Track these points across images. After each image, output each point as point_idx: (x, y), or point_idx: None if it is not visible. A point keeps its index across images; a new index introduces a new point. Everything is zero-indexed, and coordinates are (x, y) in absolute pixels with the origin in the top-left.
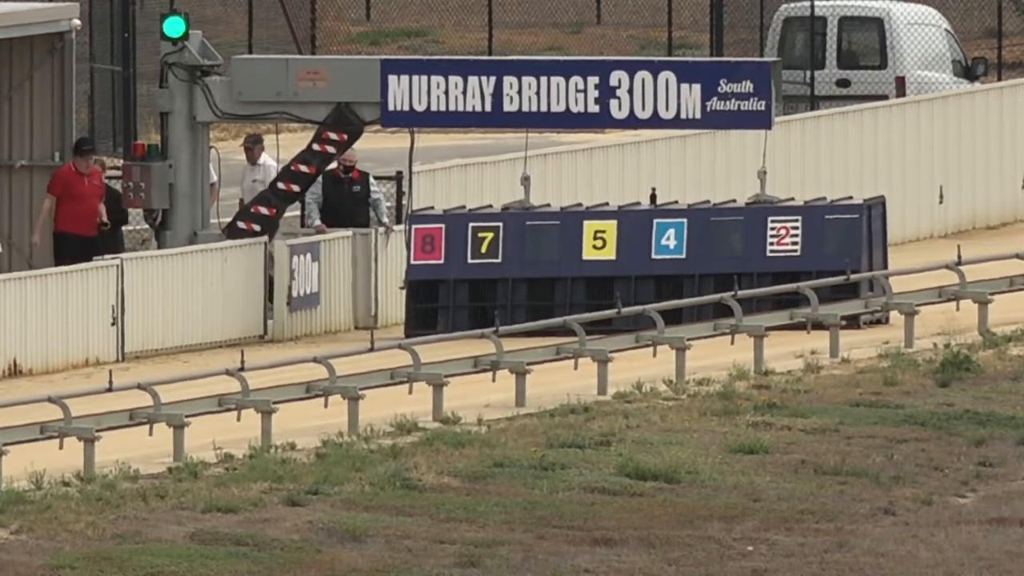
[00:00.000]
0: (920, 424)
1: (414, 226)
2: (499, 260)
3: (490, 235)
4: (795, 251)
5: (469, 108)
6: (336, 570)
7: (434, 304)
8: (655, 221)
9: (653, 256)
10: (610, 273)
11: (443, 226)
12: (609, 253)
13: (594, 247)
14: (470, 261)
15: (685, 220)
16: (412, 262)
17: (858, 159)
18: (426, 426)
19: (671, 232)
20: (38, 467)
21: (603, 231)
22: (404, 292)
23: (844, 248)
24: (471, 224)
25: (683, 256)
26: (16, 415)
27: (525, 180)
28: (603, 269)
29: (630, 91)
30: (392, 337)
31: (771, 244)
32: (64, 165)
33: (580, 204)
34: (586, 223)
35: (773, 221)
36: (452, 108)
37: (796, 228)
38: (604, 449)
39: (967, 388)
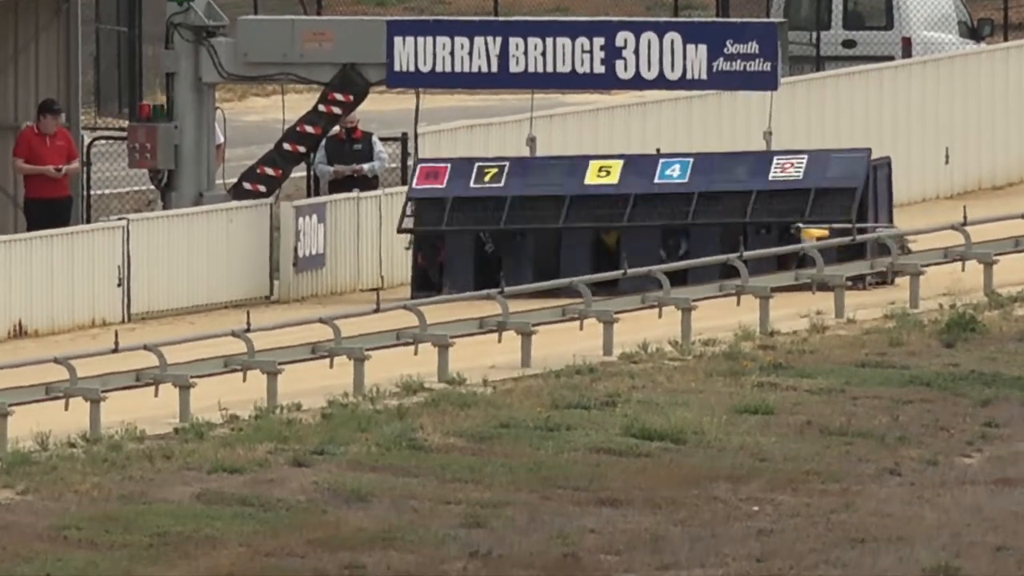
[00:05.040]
0: (926, 385)
1: (420, 165)
2: (502, 184)
3: (494, 169)
4: (798, 175)
5: (475, 69)
6: (342, 531)
7: (438, 228)
8: (661, 160)
9: (656, 180)
10: (612, 193)
11: (448, 165)
12: (612, 179)
13: (598, 176)
14: (473, 185)
15: (691, 159)
16: (414, 186)
17: (864, 120)
18: (432, 387)
19: (676, 166)
20: (44, 428)
21: (608, 166)
22: (410, 253)
23: (848, 173)
24: (477, 164)
25: (686, 180)
26: (22, 376)
27: (531, 141)
28: (605, 191)
29: (636, 52)
30: (398, 298)
31: (774, 173)
32: (27, 127)
33: None
34: (592, 161)
35: (779, 159)
36: (458, 69)
37: (801, 162)
38: (610, 410)
39: (972, 349)
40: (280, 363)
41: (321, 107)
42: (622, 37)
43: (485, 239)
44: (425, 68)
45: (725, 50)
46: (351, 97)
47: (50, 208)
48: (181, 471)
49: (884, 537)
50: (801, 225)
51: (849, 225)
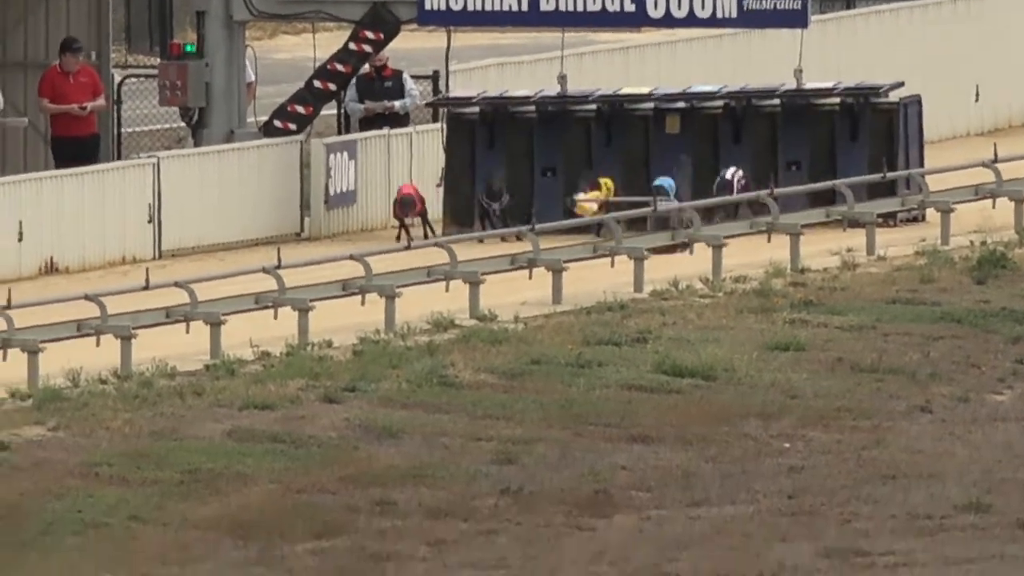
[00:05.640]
0: (957, 321)
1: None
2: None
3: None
4: (829, 84)
5: (505, 7)
6: (373, 467)
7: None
8: (694, 85)
9: (688, 90)
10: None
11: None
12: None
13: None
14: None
15: (725, 85)
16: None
17: (894, 58)
18: (463, 323)
19: (709, 88)
20: (75, 365)
21: (643, 90)
22: (441, 190)
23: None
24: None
25: (717, 90)
26: (53, 313)
27: (561, 79)
28: (637, 98)
29: None
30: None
31: (806, 86)
32: (50, 66)
33: None
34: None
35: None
36: (488, 7)
37: (834, 88)
38: (641, 346)
39: (1003, 286)
40: (311, 300)
41: (352, 45)
42: None
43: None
44: (456, 6)
45: None
46: (381, 35)
47: (77, 146)
48: (212, 408)
49: (915, 474)
50: (576, 198)
51: (632, 199)
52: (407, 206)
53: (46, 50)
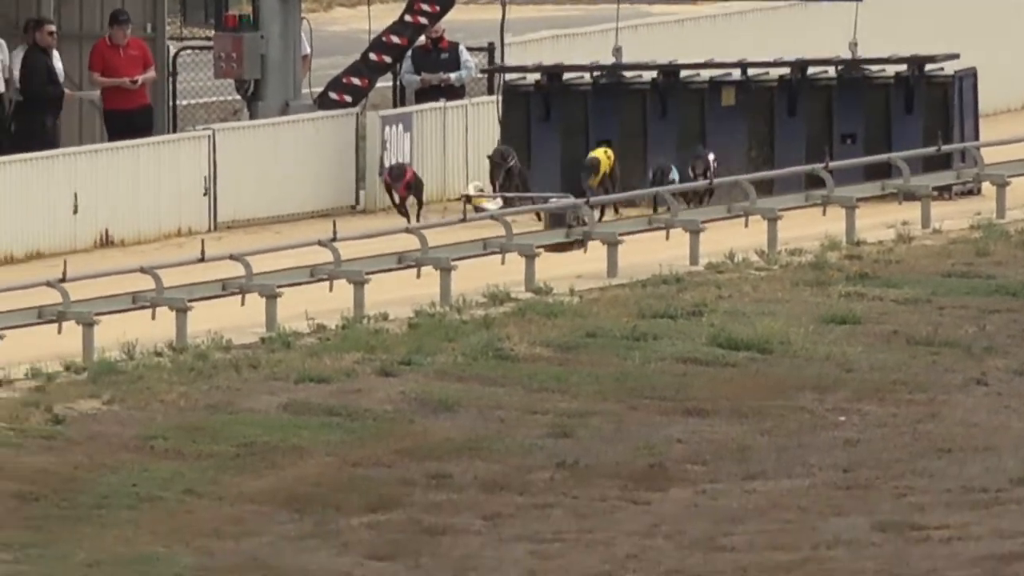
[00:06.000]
0: (1012, 295)
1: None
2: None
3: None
4: (883, 56)
5: None
6: (428, 440)
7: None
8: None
9: (744, 62)
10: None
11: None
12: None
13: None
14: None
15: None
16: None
17: (949, 29)
18: (518, 296)
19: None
20: (130, 337)
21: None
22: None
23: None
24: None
25: (772, 62)
26: (108, 285)
27: (617, 51)
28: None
29: None
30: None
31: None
32: (99, 39)
33: None
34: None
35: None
36: None
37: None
38: (696, 319)
39: None
40: (367, 272)
41: (407, 17)
42: None
43: None
44: None
45: None
46: (437, 7)
47: (129, 118)
48: (267, 381)
49: (970, 447)
50: (471, 193)
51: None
52: (396, 174)
53: (101, 22)
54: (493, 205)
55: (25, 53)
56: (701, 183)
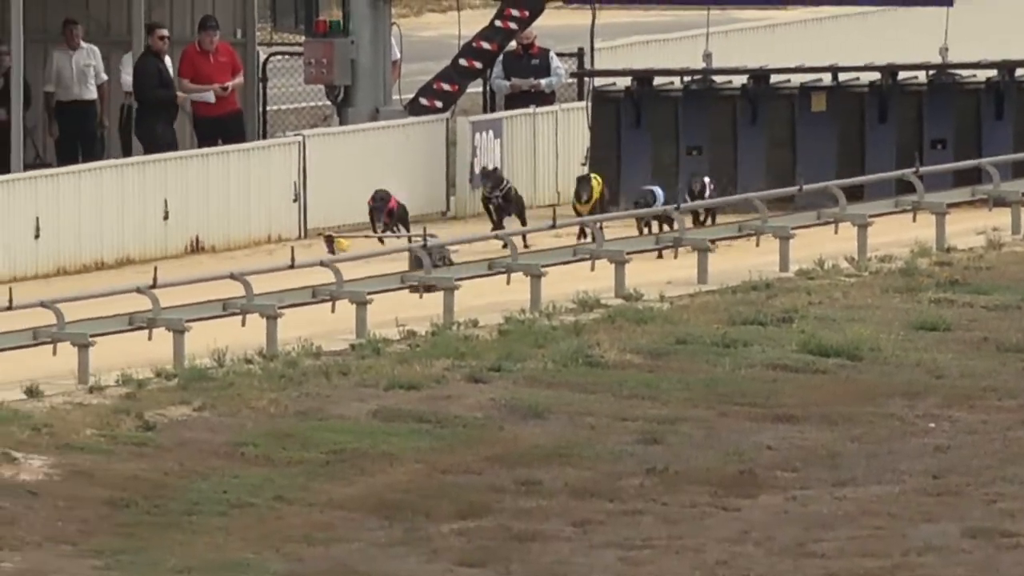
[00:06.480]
0: None
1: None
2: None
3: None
4: (974, 61)
5: None
6: (518, 447)
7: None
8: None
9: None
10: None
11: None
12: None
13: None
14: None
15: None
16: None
17: None
18: (608, 303)
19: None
20: (220, 344)
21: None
22: (586, 168)
23: None
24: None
25: (863, 67)
26: (199, 292)
27: (707, 56)
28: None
29: None
30: (574, 214)
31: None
32: (188, 45)
33: None
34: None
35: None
36: None
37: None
38: (786, 326)
39: None
40: (456, 279)
41: (498, 23)
42: None
43: None
44: None
45: None
46: (527, 13)
47: (219, 124)
48: (357, 387)
49: None
50: (333, 235)
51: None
52: (380, 201)
53: (191, 28)
54: (347, 244)
55: (138, 58)
56: (790, 189)
